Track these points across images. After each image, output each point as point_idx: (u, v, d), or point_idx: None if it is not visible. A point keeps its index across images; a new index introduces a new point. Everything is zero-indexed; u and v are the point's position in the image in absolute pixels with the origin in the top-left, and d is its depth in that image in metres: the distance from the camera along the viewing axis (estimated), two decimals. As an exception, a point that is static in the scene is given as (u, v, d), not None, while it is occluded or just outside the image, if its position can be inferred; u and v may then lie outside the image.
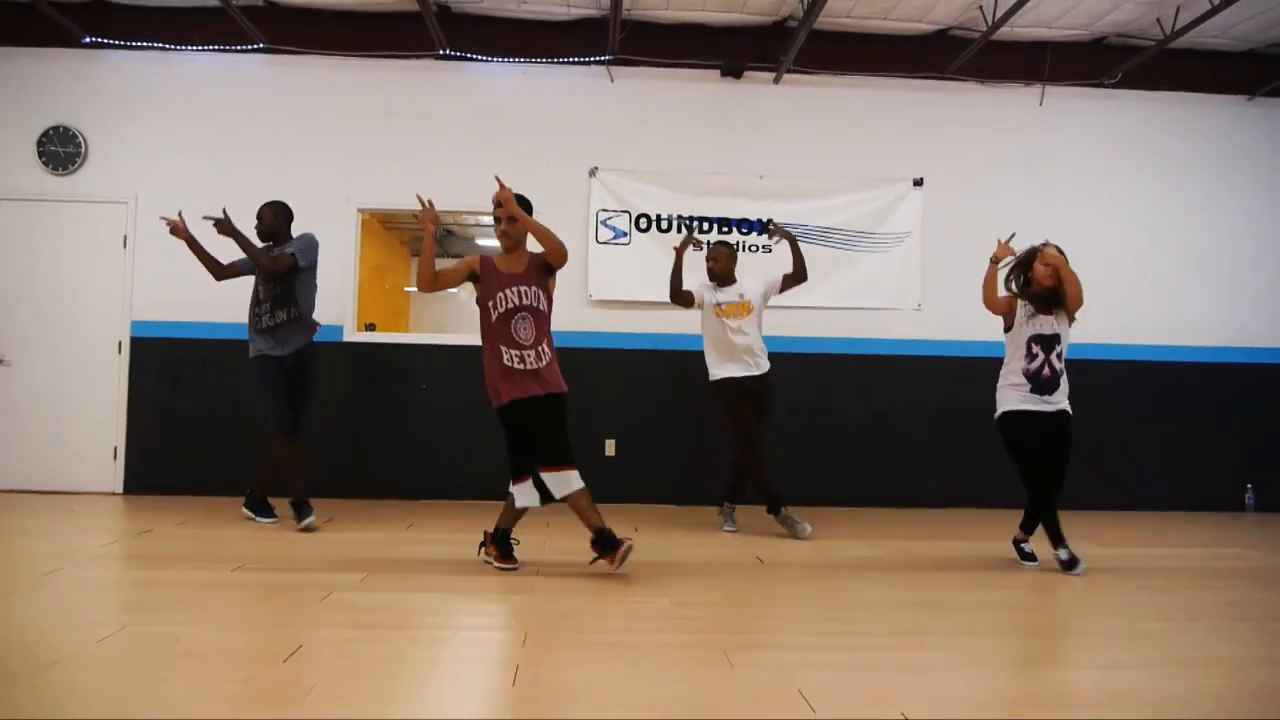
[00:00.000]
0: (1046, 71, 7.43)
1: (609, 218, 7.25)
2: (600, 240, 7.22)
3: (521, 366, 4.53)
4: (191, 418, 6.98)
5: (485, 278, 4.60)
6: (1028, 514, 5.16)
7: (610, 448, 7.15)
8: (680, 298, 6.01)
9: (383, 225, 11.83)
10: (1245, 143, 7.73)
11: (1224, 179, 7.69)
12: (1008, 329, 5.17)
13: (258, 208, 5.89)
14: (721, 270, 6.03)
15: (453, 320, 14.39)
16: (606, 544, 4.51)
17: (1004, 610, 4.20)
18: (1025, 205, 7.51)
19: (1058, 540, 4.92)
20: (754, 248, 7.26)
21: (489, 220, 12.04)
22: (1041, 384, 4.95)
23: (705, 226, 7.27)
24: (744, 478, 6.06)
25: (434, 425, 7.10)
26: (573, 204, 7.23)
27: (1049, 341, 4.97)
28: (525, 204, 4.71)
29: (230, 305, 6.92)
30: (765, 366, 6.01)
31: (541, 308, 4.62)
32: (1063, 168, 7.57)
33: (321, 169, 7.12)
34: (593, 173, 7.26)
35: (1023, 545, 5.18)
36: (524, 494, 4.56)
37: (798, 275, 6.03)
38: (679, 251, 5.93)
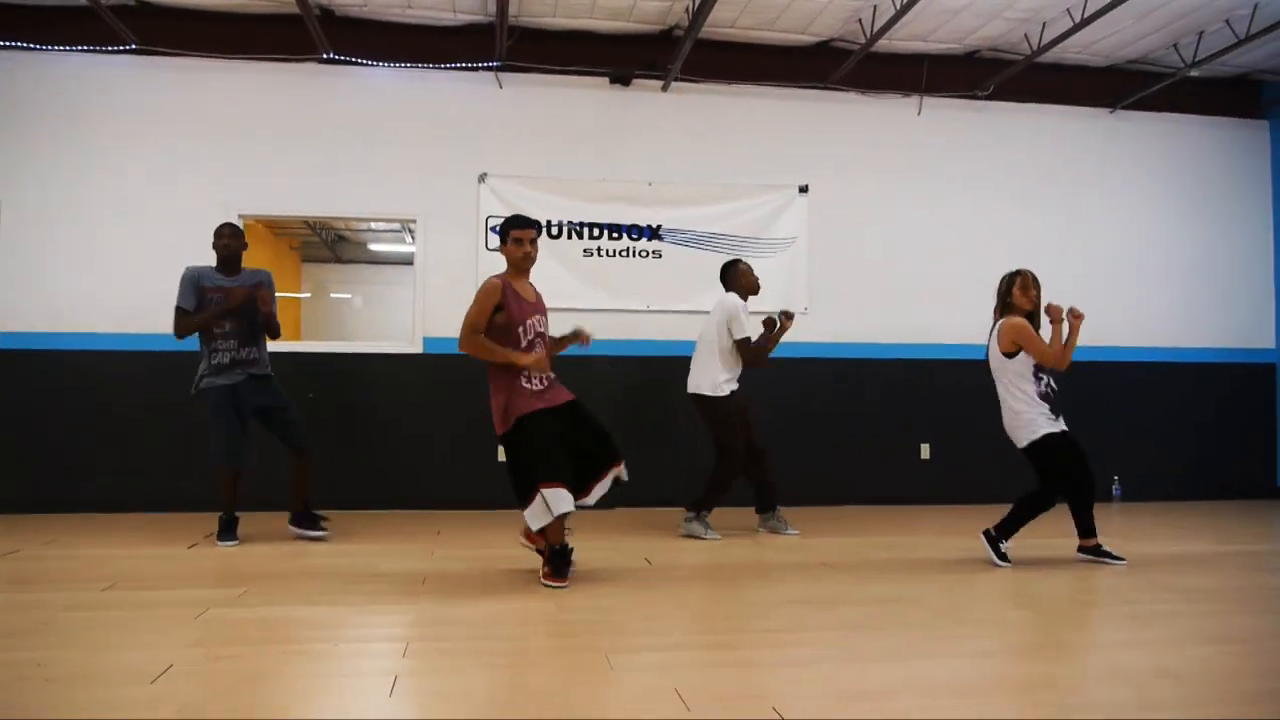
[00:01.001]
0: (924, 83, 7.71)
1: (499, 224, 7.21)
2: (490, 248, 7.19)
3: (537, 387, 4.60)
4: (59, 432, 6.69)
5: (509, 304, 4.60)
6: (1015, 517, 5.25)
7: (501, 454, 7.09)
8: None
9: (270, 231, 11.57)
10: (1108, 152, 8.15)
11: (1090, 187, 8.10)
12: (1012, 354, 5.23)
13: (218, 226, 5.68)
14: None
15: (350, 328, 14.18)
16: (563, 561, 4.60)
17: (882, 604, 4.33)
18: (906, 211, 7.77)
19: (1092, 532, 5.34)
20: (644, 253, 7.33)
21: (380, 226, 11.94)
22: (1053, 404, 5.21)
23: (595, 232, 7.31)
24: (725, 484, 6.07)
25: (320, 435, 6.96)
26: (462, 210, 7.20)
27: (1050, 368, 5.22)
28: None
29: (99, 315, 6.71)
30: None
31: (547, 335, 4.81)
32: (940, 175, 7.86)
33: (200, 174, 6.92)
34: (482, 179, 7.23)
35: (1001, 545, 5.23)
36: (560, 500, 4.37)
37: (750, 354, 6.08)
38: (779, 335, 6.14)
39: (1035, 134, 8.05)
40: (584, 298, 7.20)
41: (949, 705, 2.92)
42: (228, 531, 5.58)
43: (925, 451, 7.66)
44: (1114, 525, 6.81)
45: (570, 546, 4.61)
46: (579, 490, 4.54)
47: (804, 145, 7.69)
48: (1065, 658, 3.39)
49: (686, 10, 6.80)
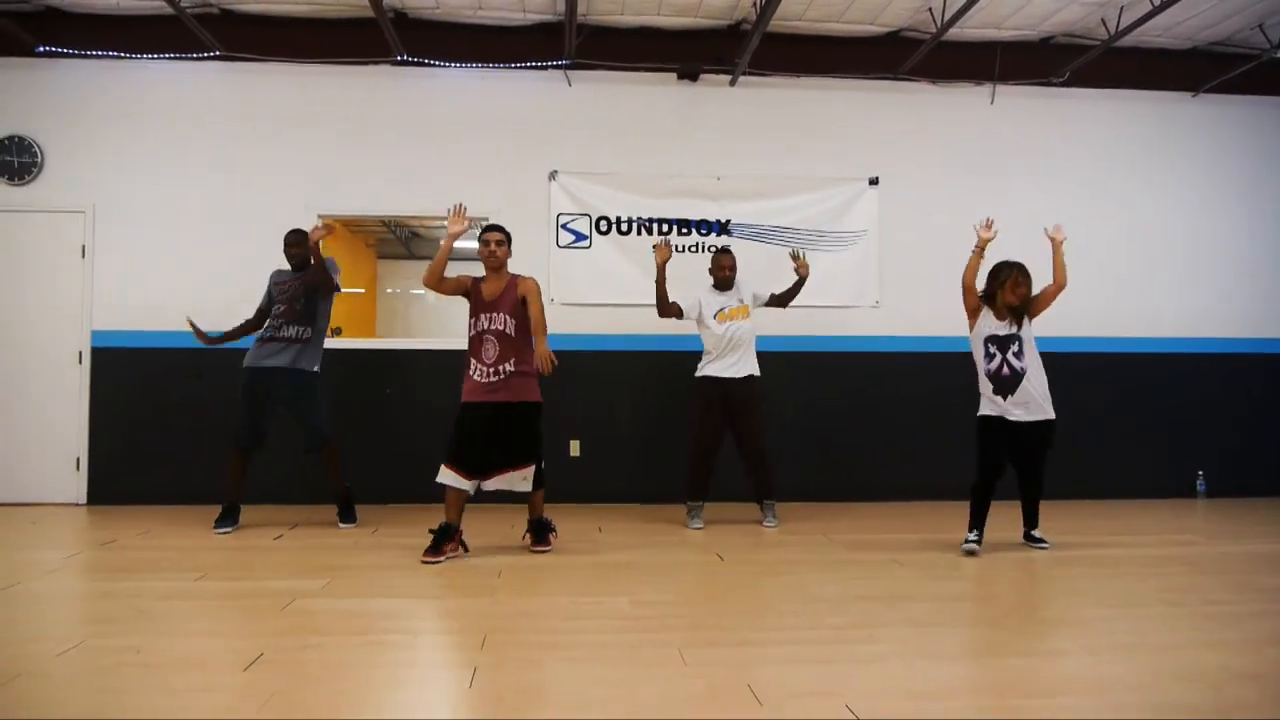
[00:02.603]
0: (996, 71, 7.57)
1: (569, 221, 7.31)
2: (561, 245, 7.28)
3: (481, 379, 5.17)
4: (153, 427, 6.97)
5: (472, 299, 5.32)
6: (976, 510, 5.39)
7: (575, 448, 7.22)
8: (668, 311, 6.23)
9: (347, 229, 11.84)
10: (1190, 138, 7.91)
11: (1170, 174, 7.87)
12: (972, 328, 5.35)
13: (285, 235, 6.09)
14: (732, 276, 6.26)
15: (418, 325, 14.41)
16: (540, 533, 5.36)
17: (954, 601, 4.31)
18: (978, 202, 7.60)
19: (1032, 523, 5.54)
20: (713, 248, 7.32)
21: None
22: (1002, 383, 5.24)
23: (665, 228, 7.35)
24: (694, 473, 6.28)
25: (400, 429, 7.13)
26: (533, 208, 7.29)
27: (1004, 342, 5.24)
28: (506, 234, 5.36)
29: (190, 312, 6.91)
30: (742, 371, 6.20)
31: (509, 332, 5.20)
32: (1014, 165, 7.71)
33: (280, 176, 7.13)
34: (552, 176, 7.32)
35: (971, 540, 5.33)
36: (448, 478, 5.09)
37: (783, 303, 6.40)
38: (660, 268, 6.14)
39: (1113, 120, 7.85)
40: (654, 292, 7.23)
41: (1020, 705, 2.91)
42: (223, 518, 5.88)
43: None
44: (1197, 522, 6.64)
45: (452, 527, 5.12)
46: (483, 476, 5.16)
47: (874, 137, 7.62)
48: (1142, 658, 3.34)
49: (754, 4, 6.79)
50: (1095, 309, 7.64)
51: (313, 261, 5.87)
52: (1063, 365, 7.30)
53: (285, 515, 6.37)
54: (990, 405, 5.30)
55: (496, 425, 5.13)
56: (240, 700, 2.89)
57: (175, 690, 2.99)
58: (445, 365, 7.13)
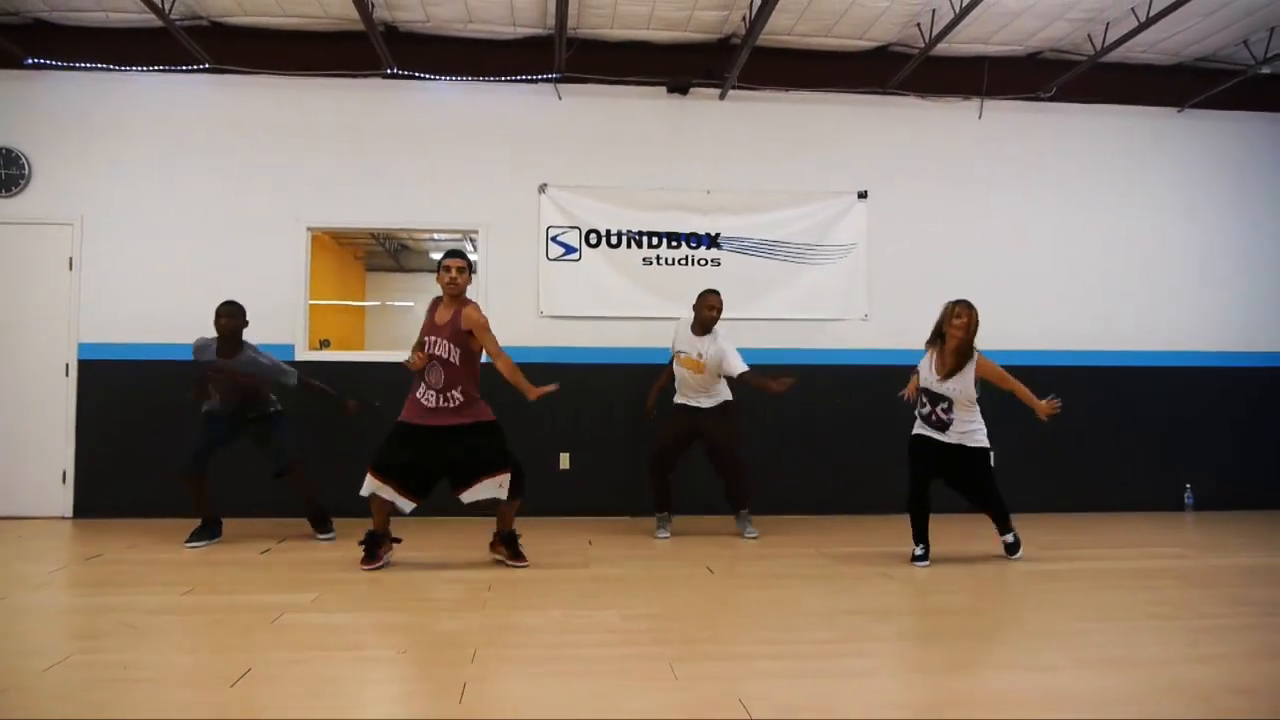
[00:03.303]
0: (984, 86, 7.61)
1: (559, 234, 7.32)
2: (550, 257, 7.28)
3: (428, 403, 5.11)
4: (141, 440, 6.92)
5: (425, 319, 5.26)
6: (913, 524, 5.51)
7: (565, 461, 7.21)
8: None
9: (336, 242, 11.84)
10: (1176, 153, 7.97)
11: (1156, 188, 7.92)
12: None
13: (218, 306, 5.89)
14: (714, 320, 6.25)
15: (407, 337, 14.39)
16: (510, 543, 5.32)
17: (944, 615, 4.32)
18: (967, 216, 7.69)
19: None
20: (702, 261, 7.36)
21: (441, 236, 12.14)
22: (932, 425, 5.46)
23: (654, 241, 7.36)
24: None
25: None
26: (523, 221, 7.29)
27: (935, 397, 5.42)
28: (468, 262, 5.24)
29: (178, 327, 6.88)
30: (711, 402, 6.28)
31: (453, 360, 5.09)
32: (1002, 179, 7.76)
33: (270, 188, 7.12)
34: (542, 189, 7.33)
35: (915, 551, 5.46)
36: (369, 485, 5.09)
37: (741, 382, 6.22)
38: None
39: (1100, 135, 7.90)
40: (644, 306, 7.26)
41: (1010, 719, 2.91)
42: (197, 533, 5.93)
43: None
44: (1186, 535, 6.67)
45: (379, 533, 5.19)
46: (424, 497, 5.21)
47: (863, 151, 7.65)
48: (1132, 671, 3.35)
49: (743, 19, 6.82)
50: (1080, 321, 7.68)
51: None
52: (1047, 378, 7.35)
53: (274, 529, 6.34)
54: (920, 426, 5.51)
55: (449, 447, 5.09)
56: (228, 715, 2.87)
57: (163, 706, 2.97)
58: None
